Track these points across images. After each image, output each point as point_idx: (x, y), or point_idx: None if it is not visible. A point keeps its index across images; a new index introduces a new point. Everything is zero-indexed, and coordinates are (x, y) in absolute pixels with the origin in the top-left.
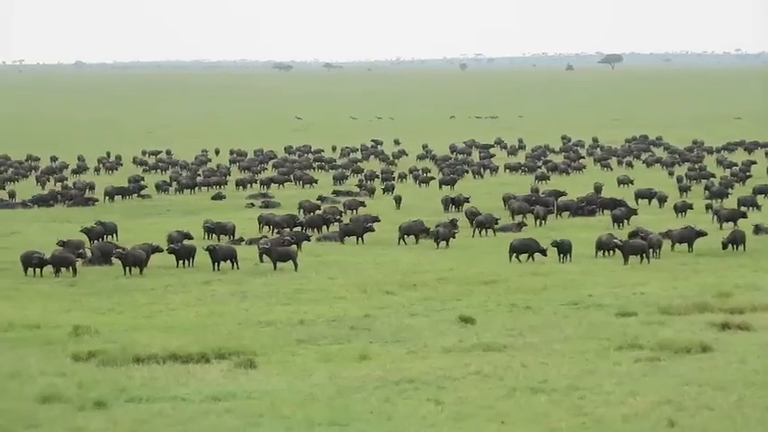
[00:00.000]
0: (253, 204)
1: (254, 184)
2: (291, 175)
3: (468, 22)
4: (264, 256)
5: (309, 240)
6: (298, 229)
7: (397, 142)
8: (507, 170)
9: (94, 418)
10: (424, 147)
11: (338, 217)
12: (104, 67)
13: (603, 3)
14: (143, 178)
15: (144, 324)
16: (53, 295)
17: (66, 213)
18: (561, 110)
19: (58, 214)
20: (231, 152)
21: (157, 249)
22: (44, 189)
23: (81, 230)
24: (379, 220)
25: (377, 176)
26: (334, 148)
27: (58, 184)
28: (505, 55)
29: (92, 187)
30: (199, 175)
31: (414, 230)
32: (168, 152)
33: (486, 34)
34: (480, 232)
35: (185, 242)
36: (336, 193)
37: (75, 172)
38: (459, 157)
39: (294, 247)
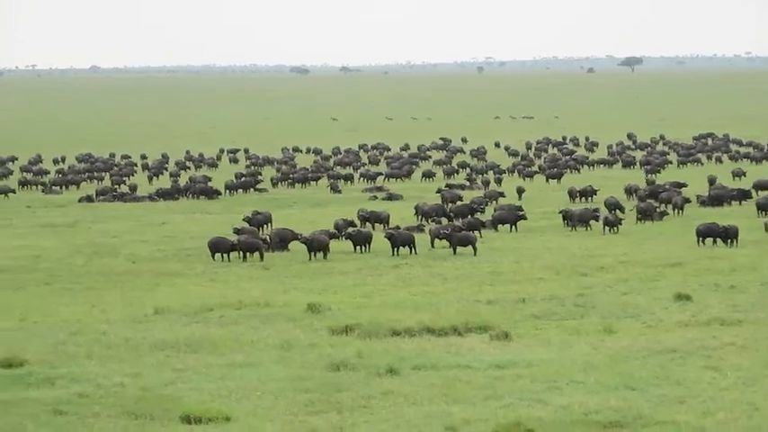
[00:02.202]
0: (376, 197)
1: (360, 179)
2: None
3: (476, 27)
4: (435, 240)
5: (485, 227)
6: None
7: (464, 140)
8: (603, 165)
9: (398, 382)
10: (497, 144)
11: (482, 207)
12: (119, 71)
13: (613, 7)
14: (260, 173)
15: (367, 303)
16: (256, 278)
17: (197, 205)
18: (596, 110)
19: (189, 206)
20: (308, 150)
21: (335, 236)
22: (151, 183)
23: (243, 219)
24: (523, 210)
25: (484, 171)
26: (407, 147)
27: (171, 179)
28: (515, 58)
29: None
30: (307, 169)
31: (587, 217)
32: (246, 150)
33: (494, 38)
34: (639, 220)
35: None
36: (450, 186)
37: (181, 168)
38: (545, 154)
39: (475, 232)
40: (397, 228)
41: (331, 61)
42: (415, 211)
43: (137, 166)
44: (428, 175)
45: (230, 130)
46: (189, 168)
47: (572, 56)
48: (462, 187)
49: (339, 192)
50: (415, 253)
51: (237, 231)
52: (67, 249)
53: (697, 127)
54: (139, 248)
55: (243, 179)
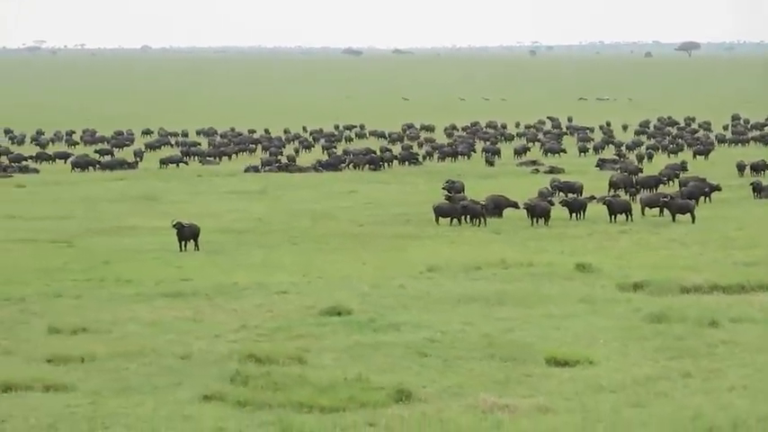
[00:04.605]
0: (537, 170)
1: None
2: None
3: (520, 11)
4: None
5: (706, 194)
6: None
7: (570, 120)
8: (738, 144)
9: (730, 333)
10: (608, 123)
11: (669, 179)
12: (166, 51)
13: None
14: (411, 147)
15: (627, 264)
16: (493, 240)
17: (365, 176)
18: (669, 92)
19: (359, 177)
20: (422, 127)
21: (551, 203)
22: (297, 155)
23: (443, 188)
24: (706, 181)
25: (634, 147)
26: (517, 125)
27: (326, 152)
28: (560, 43)
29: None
30: (453, 144)
31: None
32: (362, 126)
33: (538, 23)
34: None
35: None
36: (603, 161)
37: (329, 142)
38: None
39: (693, 201)
40: (592, 197)
41: (376, 44)
42: (609, 183)
43: (272, 139)
44: (582, 150)
45: (318, 109)
46: (337, 142)
47: (618, 41)
48: (615, 162)
49: (492, 165)
50: (631, 220)
51: (449, 198)
52: (282, 214)
53: None
54: (353, 214)
55: (386, 153)
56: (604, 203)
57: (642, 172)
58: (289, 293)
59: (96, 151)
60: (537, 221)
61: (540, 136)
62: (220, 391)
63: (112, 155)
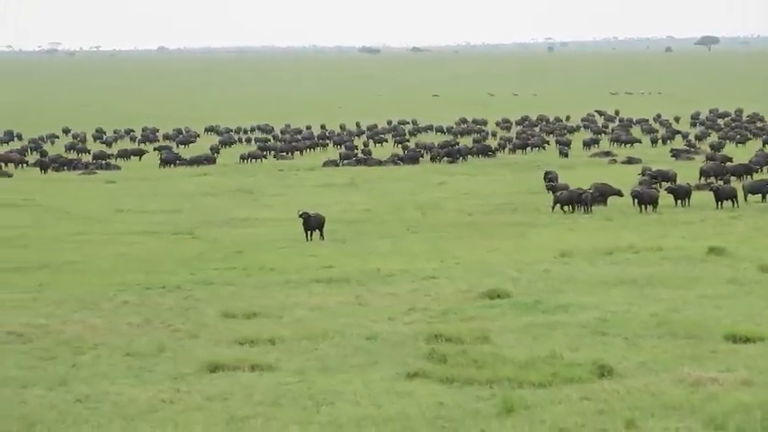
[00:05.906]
0: (615, 160)
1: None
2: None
3: (533, 8)
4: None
5: None
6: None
7: (617, 112)
8: None
9: None
10: (659, 115)
11: (756, 167)
12: (181, 52)
13: None
14: (483, 139)
15: (755, 246)
16: (610, 227)
17: (444, 168)
18: (697, 86)
19: (440, 169)
20: (473, 121)
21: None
22: (367, 148)
23: (547, 177)
24: None
25: (699, 138)
26: (568, 118)
27: (399, 146)
28: (573, 39)
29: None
30: (518, 138)
31: None
32: (414, 121)
33: (549, 19)
34: None
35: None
36: (677, 151)
37: (400, 136)
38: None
39: None
40: (688, 185)
41: (389, 42)
42: (699, 173)
43: (336, 134)
44: (654, 140)
45: (353, 105)
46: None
47: (632, 36)
48: (688, 152)
49: (567, 156)
50: (737, 206)
51: (552, 188)
52: (387, 205)
53: None
54: (457, 204)
55: (455, 146)
56: (711, 190)
57: (732, 160)
58: (438, 278)
59: (155, 148)
60: (645, 209)
61: (600, 126)
62: (422, 368)
63: (171, 151)
